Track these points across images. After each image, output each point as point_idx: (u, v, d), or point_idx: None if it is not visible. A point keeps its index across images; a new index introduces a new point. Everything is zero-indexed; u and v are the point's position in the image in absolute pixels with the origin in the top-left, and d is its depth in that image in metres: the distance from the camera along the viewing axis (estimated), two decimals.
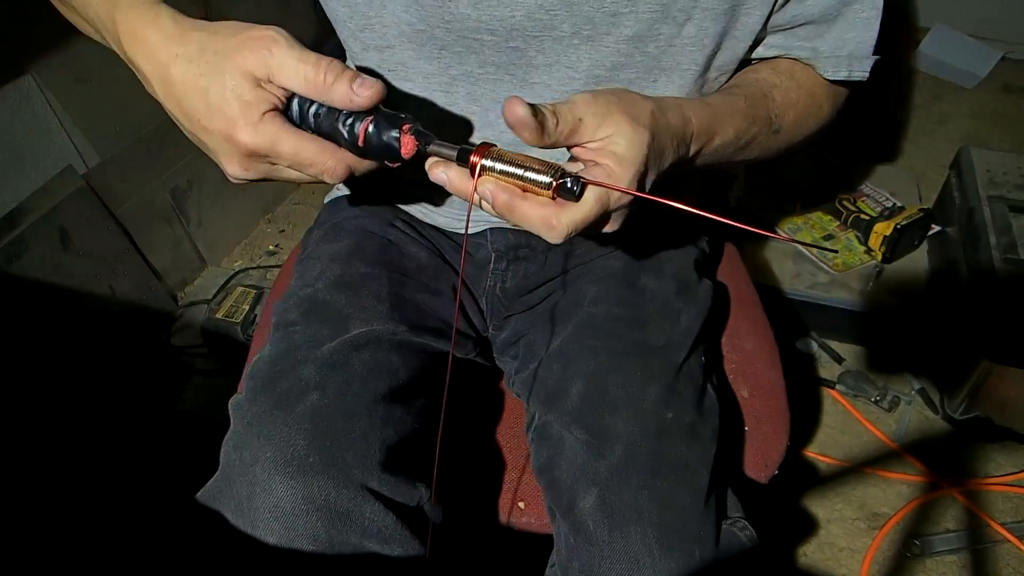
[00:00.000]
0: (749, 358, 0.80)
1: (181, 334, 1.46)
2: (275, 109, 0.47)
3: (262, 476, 0.53)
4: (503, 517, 0.70)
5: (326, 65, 0.46)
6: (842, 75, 0.62)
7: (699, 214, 0.45)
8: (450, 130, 0.63)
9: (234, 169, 0.48)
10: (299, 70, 0.45)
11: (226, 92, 0.45)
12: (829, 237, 1.44)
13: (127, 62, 0.50)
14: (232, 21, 0.47)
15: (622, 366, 0.64)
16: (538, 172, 0.46)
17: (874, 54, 0.62)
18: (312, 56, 0.46)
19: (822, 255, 1.41)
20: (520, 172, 0.46)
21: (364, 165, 0.50)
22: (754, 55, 0.64)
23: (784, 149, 0.65)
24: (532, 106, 0.43)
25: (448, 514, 0.65)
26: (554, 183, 0.45)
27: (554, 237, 0.46)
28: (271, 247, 1.69)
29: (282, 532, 0.51)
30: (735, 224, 0.45)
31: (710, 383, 0.67)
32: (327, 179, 0.48)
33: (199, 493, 0.56)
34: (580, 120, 0.46)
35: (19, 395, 1.15)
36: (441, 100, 0.61)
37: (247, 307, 1.41)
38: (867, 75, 0.63)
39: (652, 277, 0.72)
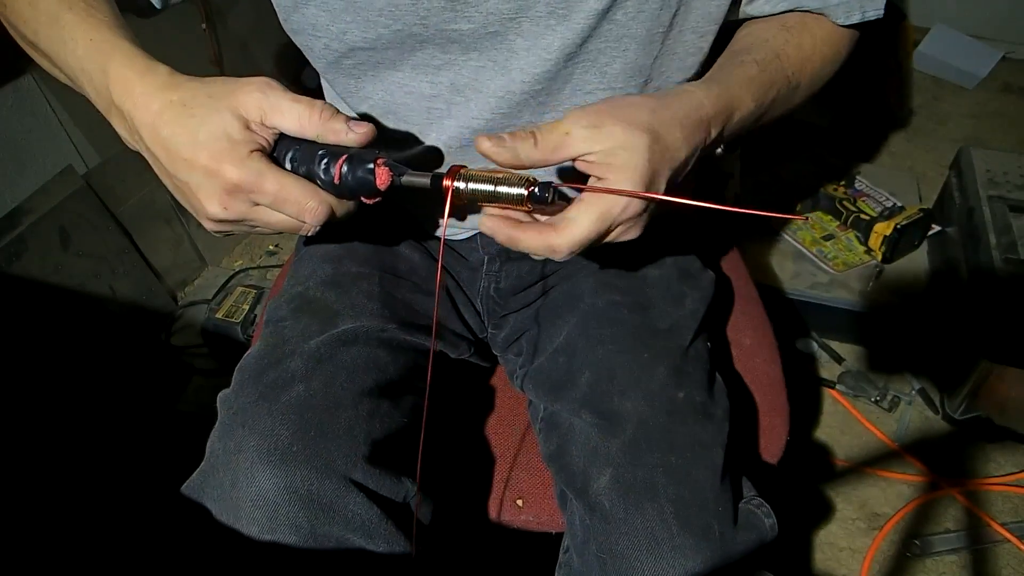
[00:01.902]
0: (748, 353, 0.80)
1: (181, 334, 1.47)
2: (261, 150, 0.48)
3: (245, 465, 0.53)
4: (501, 515, 0.69)
5: (321, 105, 0.48)
6: (856, 18, 0.61)
7: (709, 207, 0.45)
8: (437, 124, 0.63)
9: (214, 207, 0.48)
10: (293, 108, 0.47)
11: (216, 129, 0.46)
12: (829, 237, 1.44)
13: (107, 110, 0.51)
14: (226, 77, 0.49)
15: (629, 350, 0.63)
16: (510, 186, 0.47)
17: None
18: (305, 98, 0.48)
19: (822, 255, 1.40)
20: (491, 189, 0.47)
21: (344, 207, 0.50)
22: (761, 11, 0.62)
23: (806, 99, 0.64)
24: (500, 136, 0.47)
25: (441, 512, 0.65)
26: (526, 194, 0.46)
27: (561, 258, 0.49)
28: (271, 247, 1.69)
29: (265, 522, 0.51)
30: (747, 211, 0.46)
31: (717, 369, 0.67)
32: (307, 219, 0.48)
33: (184, 485, 0.56)
34: (567, 133, 0.47)
35: (19, 395, 1.15)
36: (428, 90, 0.61)
37: (247, 307, 1.42)
38: (882, 12, 0.61)
39: (652, 267, 0.72)
